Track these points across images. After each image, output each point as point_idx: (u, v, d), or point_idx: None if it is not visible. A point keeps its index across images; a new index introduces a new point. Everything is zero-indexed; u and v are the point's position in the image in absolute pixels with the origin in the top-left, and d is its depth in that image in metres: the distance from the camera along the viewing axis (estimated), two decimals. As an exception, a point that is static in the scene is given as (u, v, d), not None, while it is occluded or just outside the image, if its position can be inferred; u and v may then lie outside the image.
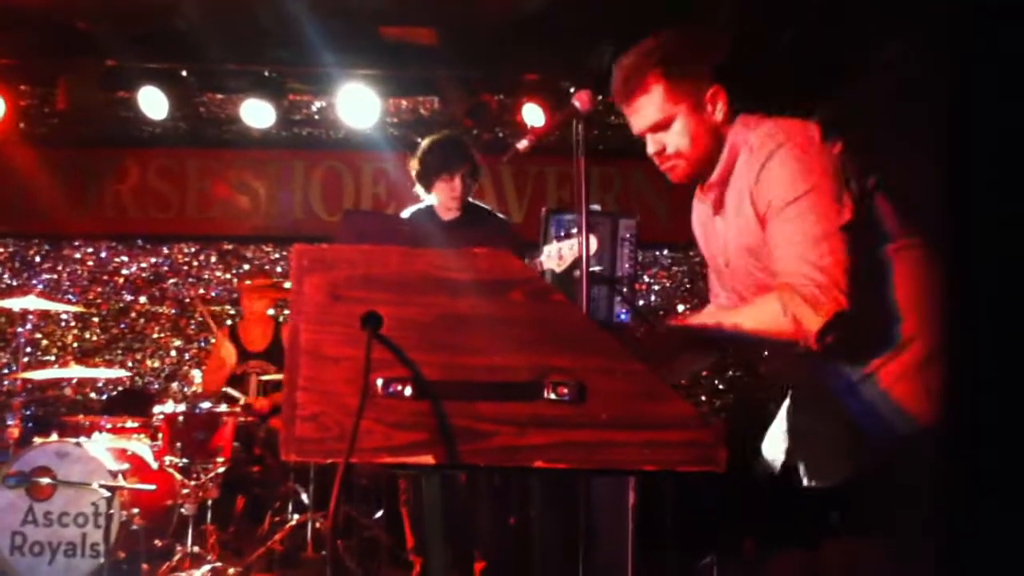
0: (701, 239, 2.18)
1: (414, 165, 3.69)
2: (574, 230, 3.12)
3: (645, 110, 1.95)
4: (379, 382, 1.35)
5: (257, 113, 6.10)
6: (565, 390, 1.34)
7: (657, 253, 6.53)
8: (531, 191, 6.50)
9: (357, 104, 5.73)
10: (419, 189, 3.73)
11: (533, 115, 5.67)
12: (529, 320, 1.36)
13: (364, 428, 1.35)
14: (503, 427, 1.35)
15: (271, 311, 5.19)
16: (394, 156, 6.33)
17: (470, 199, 3.74)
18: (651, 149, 1.99)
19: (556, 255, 2.73)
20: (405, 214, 3.75)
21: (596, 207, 4.41)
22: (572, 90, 2.21)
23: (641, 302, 6.24)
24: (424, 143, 3.73)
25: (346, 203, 6.52)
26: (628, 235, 4.50)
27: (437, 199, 3.66)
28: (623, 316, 4.48)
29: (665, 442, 1.35)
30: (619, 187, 6.52)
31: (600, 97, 2.46)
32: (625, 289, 4.45)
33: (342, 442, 1.36)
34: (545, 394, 1.34)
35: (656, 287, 6.54)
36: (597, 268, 4.29)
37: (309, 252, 1.42)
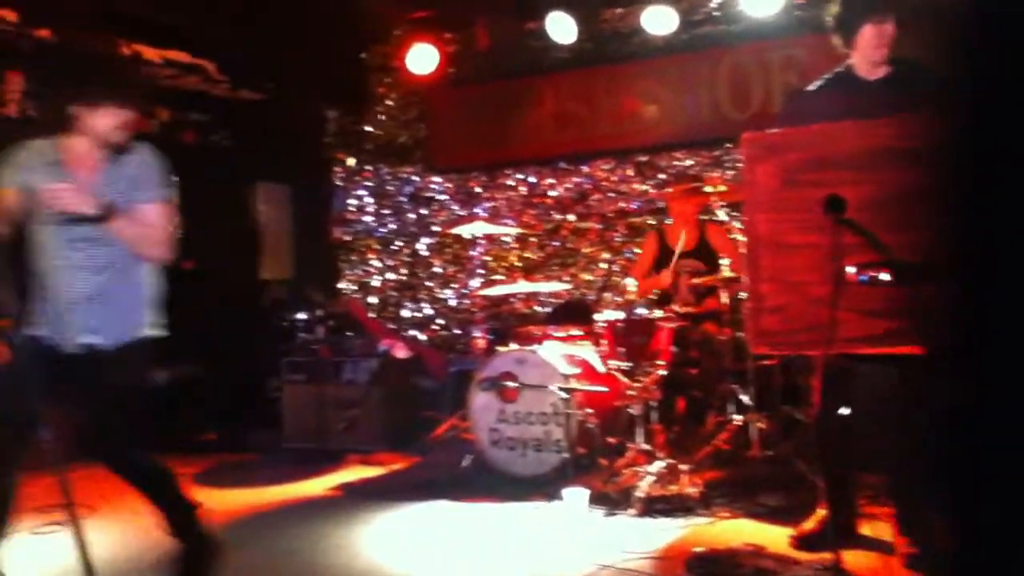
0: None
1: (832, 9, 3.18)
2: None
3: None
4: (850, 268, 1.26)
5: (658, 20, 6.08)
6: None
7: None
8: None
9: (759, -10, 5.43)
10: (836, 41, 3.20)
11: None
12: None
13: (837, 318, 1.28)
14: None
15: (698, 215, 5.22)
16: (804, 39, 5.92)
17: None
18: None
19: None
20: (812, 87, 3.31)
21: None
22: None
23: None
24: None
25: (755, 98, 6.26)
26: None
27: (859, 53, 3.14)
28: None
29: None
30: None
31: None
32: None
33: (811, 333, 1.30)
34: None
35: None
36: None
37: (758, 140, 1.36)
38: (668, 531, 3.66)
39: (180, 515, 3.09)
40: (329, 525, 4.05)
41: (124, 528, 3.97)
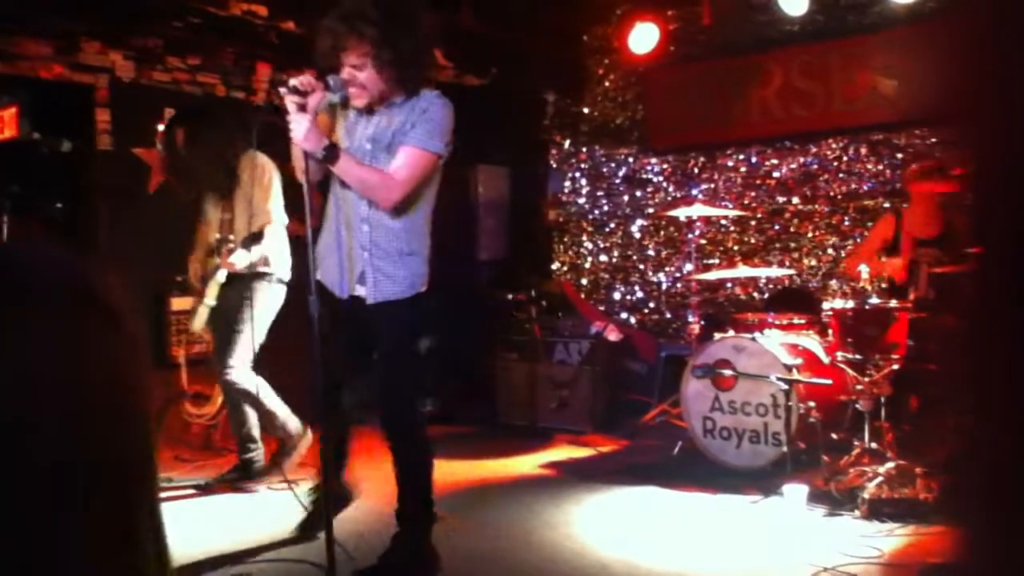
0: None
1: None
2: None
3: None
4: None
5: (901, -14, 5.62)
6: None
7: None
8: None
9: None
10: None
11: None
12: None
13: None
14: None
15: (941, 199, 4.78)
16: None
17: None
18: None
19: None
20: None
21: None
22: None
23: None
24: None
25: (1012, 69, 5.64)
26: None
27: None
28: None
29: None
30: None
31: None
32: None
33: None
34: None
35: None
36: None
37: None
38: (897, 537, 3.40)
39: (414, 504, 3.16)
40: (541, 503, 4.10)
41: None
